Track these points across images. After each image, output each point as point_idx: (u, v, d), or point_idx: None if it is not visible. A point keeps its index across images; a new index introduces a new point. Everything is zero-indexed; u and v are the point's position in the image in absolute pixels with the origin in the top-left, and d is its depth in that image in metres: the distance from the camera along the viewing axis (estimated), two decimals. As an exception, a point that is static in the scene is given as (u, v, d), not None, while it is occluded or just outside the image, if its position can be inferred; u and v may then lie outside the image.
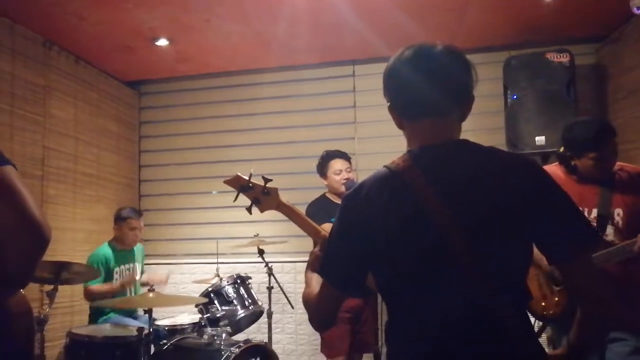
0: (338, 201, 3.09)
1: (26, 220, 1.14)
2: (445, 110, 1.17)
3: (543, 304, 2.21)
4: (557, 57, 3.74)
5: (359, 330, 3.10)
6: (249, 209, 1.55)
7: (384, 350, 1.28)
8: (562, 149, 2.30)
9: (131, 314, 3.78)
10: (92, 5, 3.47)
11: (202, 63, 4.58)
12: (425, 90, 1.14)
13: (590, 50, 4.19)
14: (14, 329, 1.21)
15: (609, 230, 2.15)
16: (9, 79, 3.49)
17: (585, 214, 2.16)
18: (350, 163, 3.33)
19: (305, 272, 1.40)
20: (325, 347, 3.11)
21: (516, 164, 1.16)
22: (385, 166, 1.18)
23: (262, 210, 1.55)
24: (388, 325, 1.20)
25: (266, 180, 1.52)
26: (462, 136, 1.20)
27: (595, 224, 2.15)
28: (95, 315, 3.66)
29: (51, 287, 2.81)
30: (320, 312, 1.28)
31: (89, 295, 3.62)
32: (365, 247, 1.14)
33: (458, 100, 1.18)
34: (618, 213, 2.16)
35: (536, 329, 2.38)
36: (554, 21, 3.86)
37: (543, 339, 2.45)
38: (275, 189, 1.54)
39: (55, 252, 3.61)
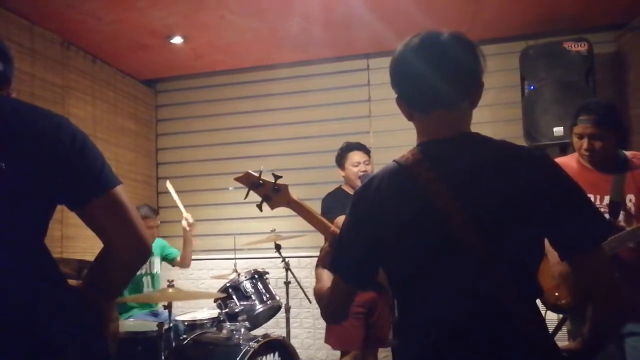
0: (354, 194, 3.08)
1: (135, 237, 1.23)
2: (454, 101, 1.15)
3: (556, 293, 2.17)
4: (574, 46, 3.67)
5: (373, 324, 3.09)
6: (259, 206, 1.55)
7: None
8: None
9: (152, 312, 3.81)
10: (107, 5, 3.50)
11: (217, 60, 4.59)
12: (433, 80, 1.13)
13: (610, 38, 4.10)
14: (107, 334, 1.30)
15: (621, 217, 2.12)
16: (29, 79, 3.55)
17: (597, 201, 2.14)
18: (369, 156, 3.32)
19: (316, 267, 1.40)
20: (337, 340, 3.10)
21: (525, 157, 1.14)
22: (394, 160, 1.18)
23: (272, 207, 1.54)
24: (397, 319, 1.20)
25: (276, 177, 1.51)
26: (479, 128, 1.18)
27: (607, 211, 2.12)
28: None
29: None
30: (332, 306, 1.28)
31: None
32: (375, 241, 1.14)
33: (467, 88, 1.16)
34: (630, 199, 2.13)
35: (557, 323, 2.35)
36: (571, 9, 3.79)
37: (563, 332, 2.41)
38: (286, 186, 1.52)
39: (76, 250, 3.66)
